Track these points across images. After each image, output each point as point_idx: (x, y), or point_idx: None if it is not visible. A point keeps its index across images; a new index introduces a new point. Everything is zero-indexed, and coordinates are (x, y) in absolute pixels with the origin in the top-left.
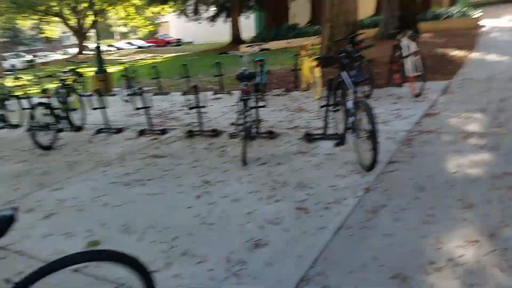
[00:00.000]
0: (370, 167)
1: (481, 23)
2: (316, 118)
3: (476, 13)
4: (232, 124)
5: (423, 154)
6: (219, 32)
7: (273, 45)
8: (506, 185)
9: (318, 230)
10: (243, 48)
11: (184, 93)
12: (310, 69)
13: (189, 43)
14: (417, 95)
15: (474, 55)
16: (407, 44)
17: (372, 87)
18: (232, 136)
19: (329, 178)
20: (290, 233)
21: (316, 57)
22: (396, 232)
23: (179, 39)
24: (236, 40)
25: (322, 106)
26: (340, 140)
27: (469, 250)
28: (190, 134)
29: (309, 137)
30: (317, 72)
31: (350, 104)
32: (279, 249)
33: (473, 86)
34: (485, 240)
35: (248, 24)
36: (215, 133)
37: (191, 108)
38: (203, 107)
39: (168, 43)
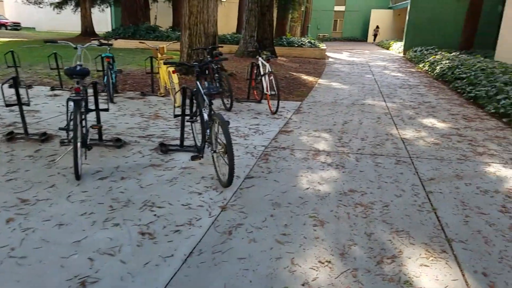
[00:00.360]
0: (227, 183)
1: (327, 54)
2: (174, 127)
3: (323, 46)
4: (61, 129)
5: (279, 170)
6: (70, 21)
7: (125, 43)
8: (352, 203)
9: (163, 260)
10: (92, 42)
11: (8, 86)
12: (168, 74)
13: (31, 29)
14: (274, 113)
15: (322, 81)
16: (263, 64)
17: (232, 100)
18: (64, 143)
19: (183, 195)
20: (128, 266)
21: (165, 61)
22: (251, 255)
23: (17, 23)
24: (88, 32)
25: (176, 115)
26: (197, 153)
27: (322, 272)
28: (11, 137)
29: (164, 148)
30: (175, 78)
31: (206, 115)
32: (112, 287)
33: (321, 108)
34: (336, 260)
35: (105, 18)
36: (45, 137)
37: (7, 105)
38: (26, 104)
39: (2, 25)
